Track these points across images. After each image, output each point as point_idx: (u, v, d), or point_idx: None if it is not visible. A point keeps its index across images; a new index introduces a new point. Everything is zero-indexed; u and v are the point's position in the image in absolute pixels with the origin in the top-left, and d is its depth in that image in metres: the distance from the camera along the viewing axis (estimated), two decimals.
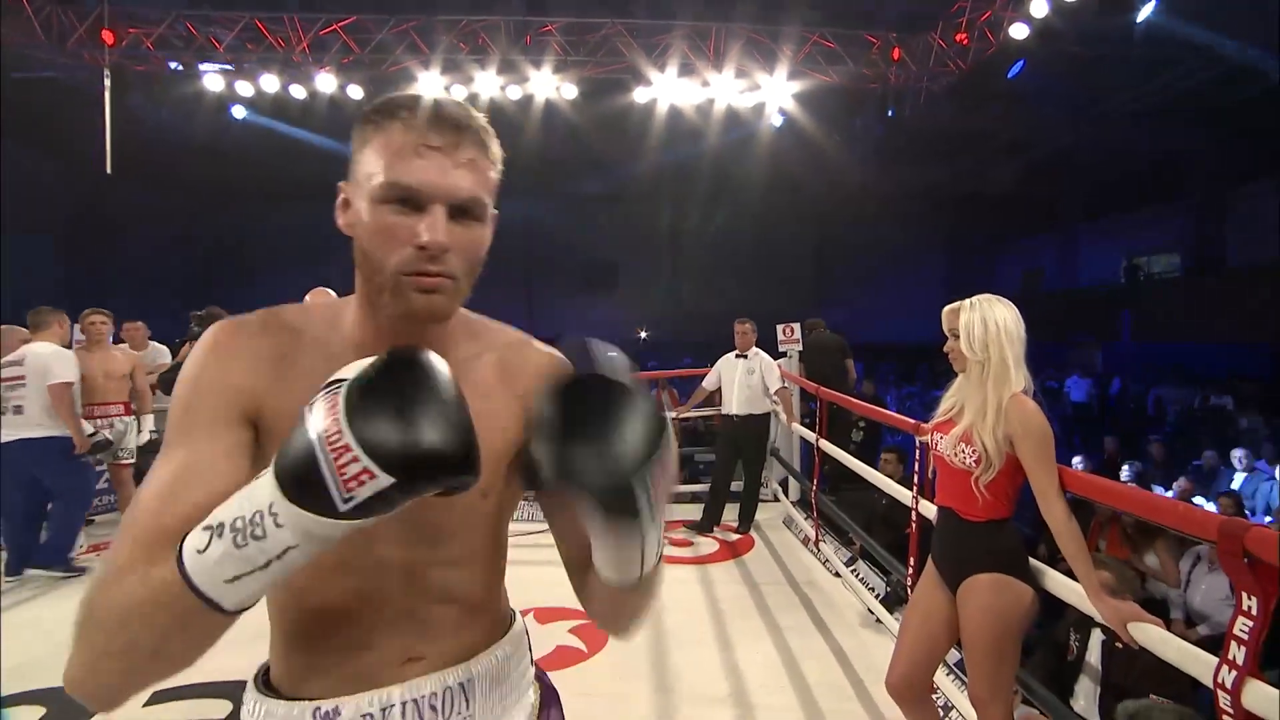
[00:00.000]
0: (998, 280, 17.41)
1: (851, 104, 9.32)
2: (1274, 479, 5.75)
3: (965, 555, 1.69)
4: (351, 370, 0.53)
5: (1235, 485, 5.64)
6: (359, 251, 0.65)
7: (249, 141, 11.46)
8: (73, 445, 3.50)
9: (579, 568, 0.77)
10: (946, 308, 1.77)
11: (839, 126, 10.62)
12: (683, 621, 3.03)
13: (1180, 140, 12.14)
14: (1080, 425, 9.81)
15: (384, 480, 0.49)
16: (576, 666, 2.55)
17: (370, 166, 0.63)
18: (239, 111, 9.20)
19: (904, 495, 2.59)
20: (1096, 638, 2.40)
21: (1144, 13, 6.60)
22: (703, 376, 4.73)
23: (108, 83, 6.49)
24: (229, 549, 0.50)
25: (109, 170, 6.30)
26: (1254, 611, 1.06)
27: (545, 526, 0.81)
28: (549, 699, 0.82)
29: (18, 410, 3.39)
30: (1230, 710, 1.10)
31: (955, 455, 1.70)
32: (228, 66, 8.03)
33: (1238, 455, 6.01)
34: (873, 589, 3.18)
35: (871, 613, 3.00)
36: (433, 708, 0.69)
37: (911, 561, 2.51)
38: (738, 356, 4.42)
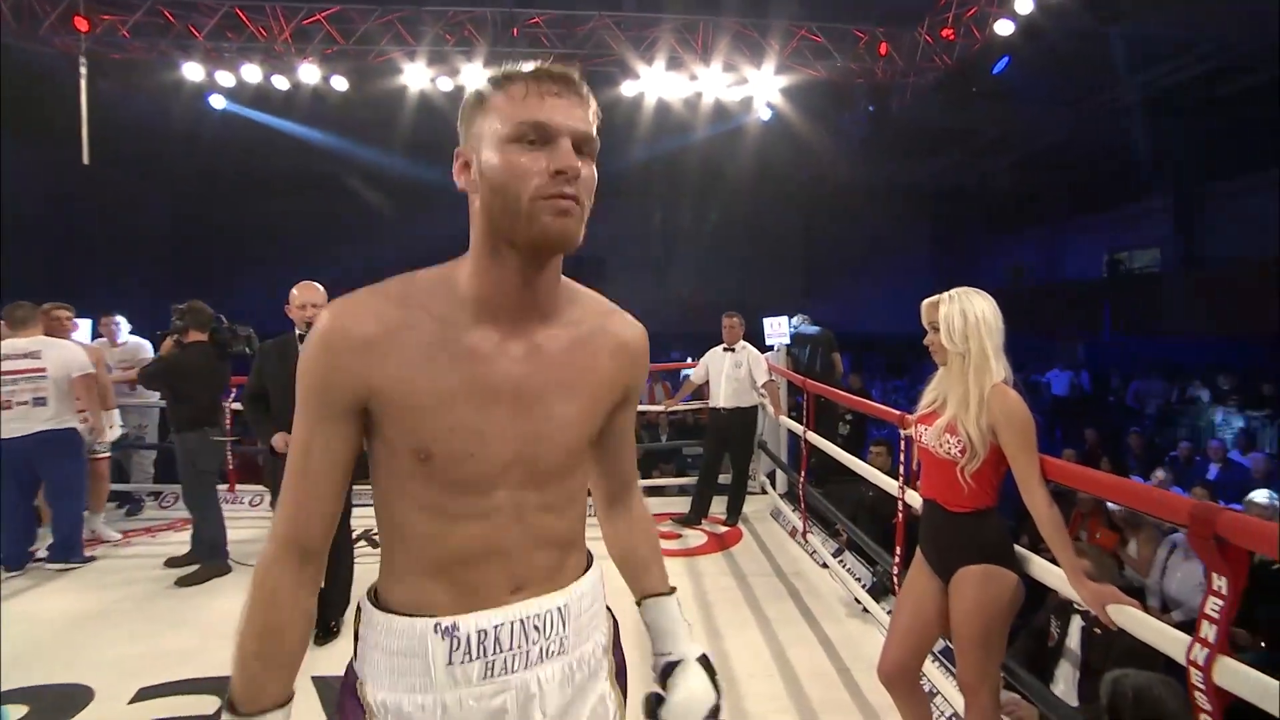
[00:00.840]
0: (982, 274, 17.58)
1: (839, 98, 9.34)
2: (1249, 469, 5.89)
3: (953, 546, 1.72)
4: None
5: (1210, 475, 5.77)
6: (488, 195, 0.71)
7: (229, 132, 11.26)
8: (79, 438, 3.53)
9: (604, 496, 0.97)
10: (925, 301, 1.79)
11: (826, 121, 10.65)
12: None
13: (1161, 137, 12.32)
14: (1062, 418, 9.98)
15: None
16: None
17: (495, 119, 0.71)
18: (218, 101, 9.03)
19: (891, 486, 2.63)
20: (1076, 623, 2.46)
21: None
22: (691, 370, 4.75)
23: (84, 70, 6.33)
24: None
25: (86, 160, 6.15)
26: (1224, 591, 1.10)
27: None
28: (617, 631, 0.93)
29: (39, 403, 3.38)
30: (1202, 686, 1.14)
31: (940, 446, 1.72)
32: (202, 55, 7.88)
33: (1213, 446, 6.15)
34: (859, 579, 3.22)
35: (858, 602, 3.04)
36: (536, 628, 0.78)
37: (898, 552, 2.55)
38: (725, 350, 4.44)
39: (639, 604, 0.94)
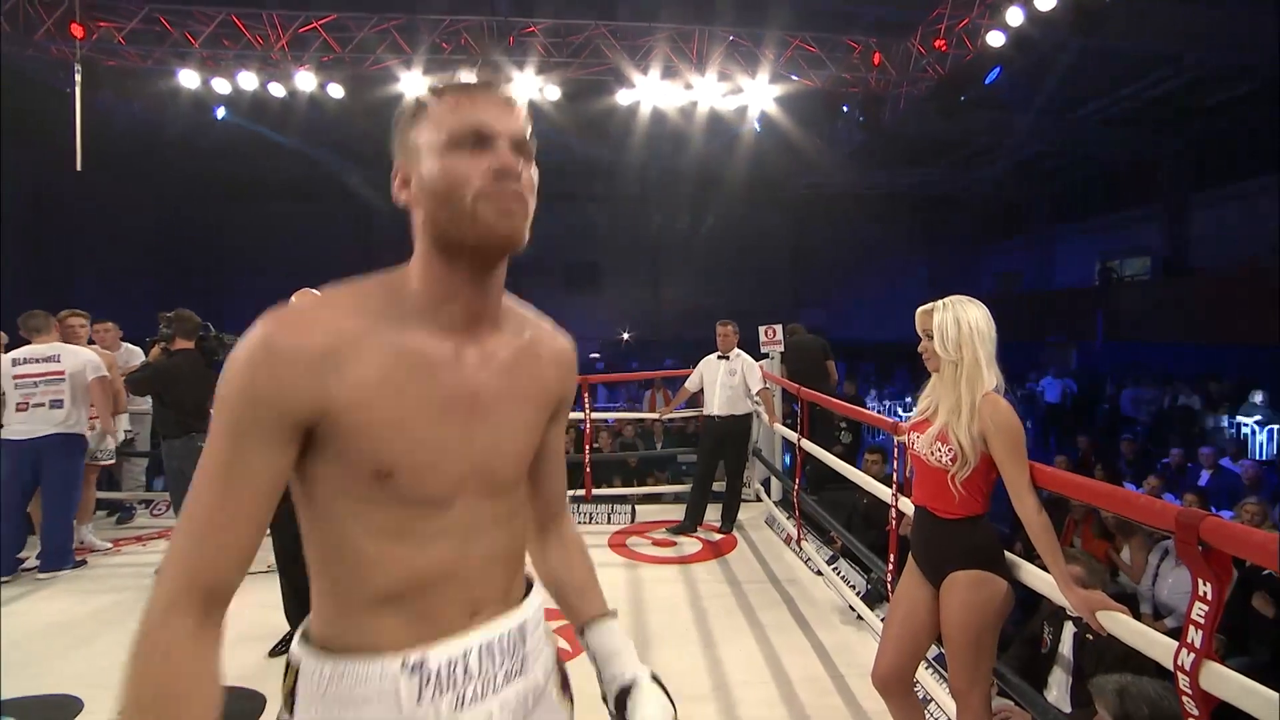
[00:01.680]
0: (975, 282, 17.72)
1: (833, 107, 9.42)
2: (1240, 476, 5.93)
3: (944, 552, 1.73)
4: None
5: (1201, 482, 5.81)
6: (431, 204, 0.70)
7: (224, 139, 11.27)
8: (84, 442, 3.63)
9: (536, 518, 0.92)
10: (919, 309, 1.81)
11: (820, 130, 10.74)
12: (666, 620, 3.05)
13: (1151, 146, 12.47)
14: (1054, 425, 10.03)
15: None
16: None
17: (431, 129, 0.70)
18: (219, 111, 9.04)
19: (884, 493, 2.64)
20: (1069, 630, 2.47)
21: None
22: (685, 377, 4.76)
23: (78, 78, 6.33)
24: None
25: (79, 168, 6.15)
26: (1209, 597, 1.11)
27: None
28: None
29: (55, 405, 3.48)
30: (1189, 691, 1.15)
31: (931, 454, 1.74)
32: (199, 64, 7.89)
33: (1204, 453, 6.19)
34: (854, 586, 3.22)
35: (852, 609, 3.05)
36: (500, 650, 0.75)
37: (892, 559, 2.56)
38: (719, 358, 4.45)
39: (580, 632, 0.91)
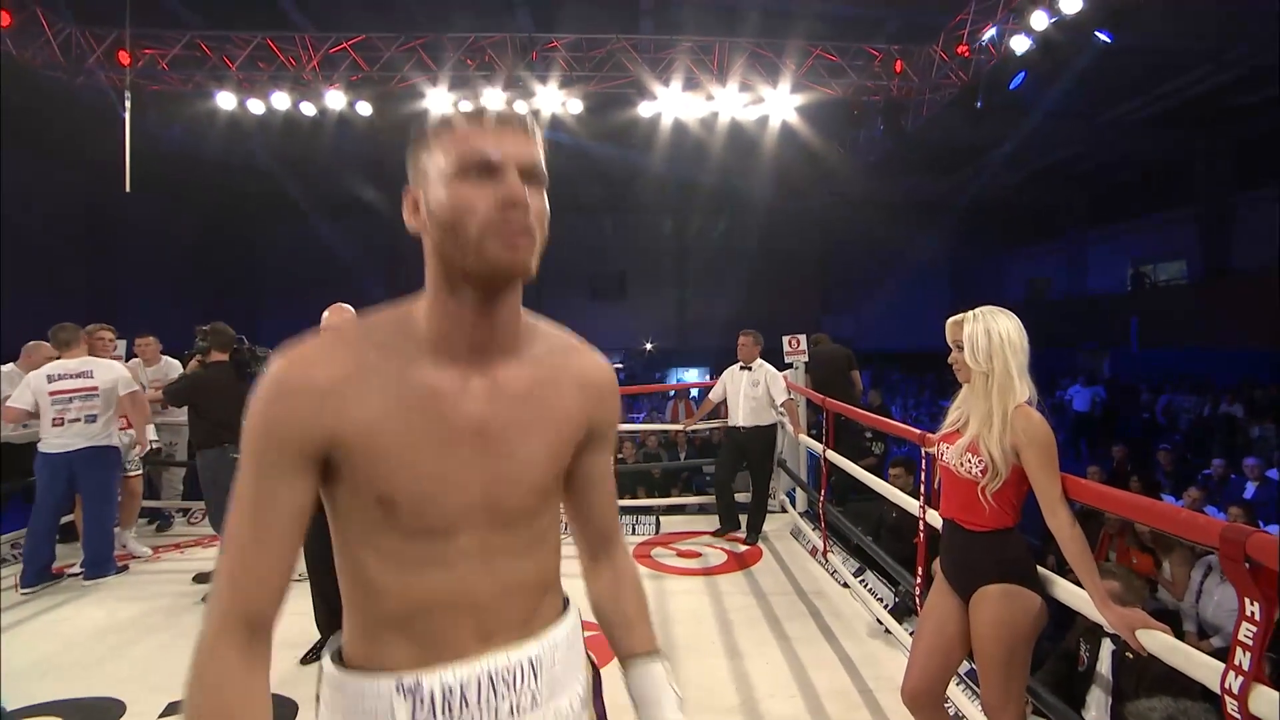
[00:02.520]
0: (1005, 288, 17.40)
1: (856, 116, 9.37)
2: None
3: (974, 566, 1.70)
4: None
5: (1247, 495, 5.59)
6: (438, 233, 0.70)
7: (261, 159, 11.63)
8: (118, 453, 3.74)
9: (585, 547, 0.92)
10: (950, 319, 1.79)
11: (843, 138, 10.69)
12: (691, 632, 3.04)
13: (1185, 147, 12.14)
14: (1087, 434, 9.75)
15: None
16: None
17: (440, 156, 0.70)
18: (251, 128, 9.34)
19: (911, 506, 2.60)
20: (1107, 647, 2.39)
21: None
22: (709, 388, 4.76)
23: (128, 104, 6.62)
24: None
25: (128, 189, 6.41)
26: (1257, 617, 1.07)
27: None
28: (598, 679, 0.89)
29: (90, 419, 3.59)
30: (1238, 716, 1.11)
31: (961, 465, 1.71)
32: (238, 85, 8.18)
33: (1249, 464, 5.96)
34: (881, 599, 3.17)
35: (880, 623, 3.00)
36: (505, 682, 0.74)
37: (919, 572, 2.52)
38: (742, 368, 4.44)
39: (624, 666, 0.88)
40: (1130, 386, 11.68)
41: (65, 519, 4.33)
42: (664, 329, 17.87)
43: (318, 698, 0.76)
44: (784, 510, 4.87)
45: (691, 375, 16.03)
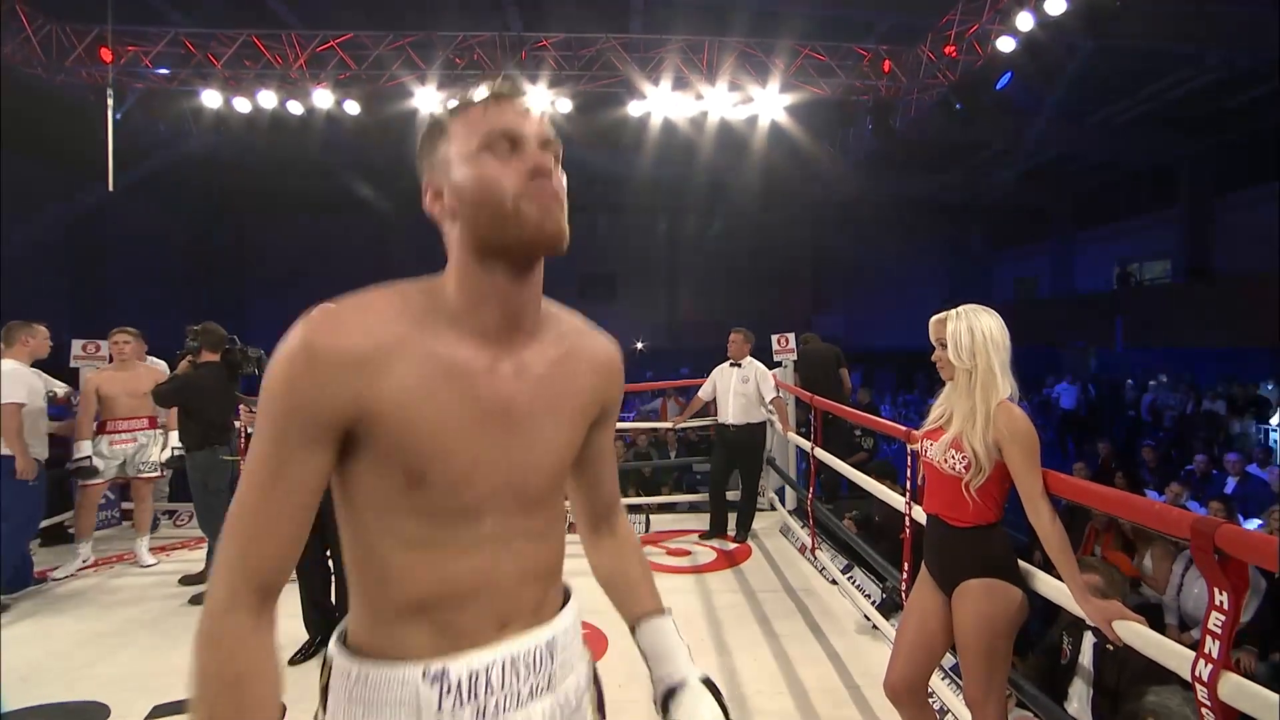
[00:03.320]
0: (993, 288, 17.56)
1: (844, 116, 9.44)
2: (1268, 483, 5.80)
3: (956, 561, 1.72)
4: None
5: (1228, 489, 5.68)
6: (470, 210, 0.71)
7: (246, 156, 11.54)
8: (7, 465, 3.40)
9: (588, 518, 0.94)
10: (933, 318, 1.81)
11: (832, 138, 10.76)
12: (680, 630, 3.04)
13: (1170, 148, 12.31)
14: (1073, 431, 9.87)
15: None
16: None
17: (460, 139, 0.72)
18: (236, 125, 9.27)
19: (897, 501, 2.63)
20: (1088, 640, 2.43)
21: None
22: (699, 387, 4.77)
23: (110, 101, 6.55)
24: None
25: (110, 188, 6.34)
26: (1225, 606, 1.10)
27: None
28: (593, 662, 0.91)
29: None
30: (1208, 703, 1.14)
31: (945, 461, 1.73)
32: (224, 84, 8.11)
33: (1230, 460, 6.07)
34: (869, 595, 3.20)
35: (868, 619, 3.02)
36: (526, 665, 0.75)
37: (906, 567, 2.54)
38: (732, 365, 4.46)
39: (633, 629, 0.90)
40: (1115, 384, 11.84)
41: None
42: (654, 329, 17.90)
43: (325, 689, 0.74)
44: (773, 508, 4.90)
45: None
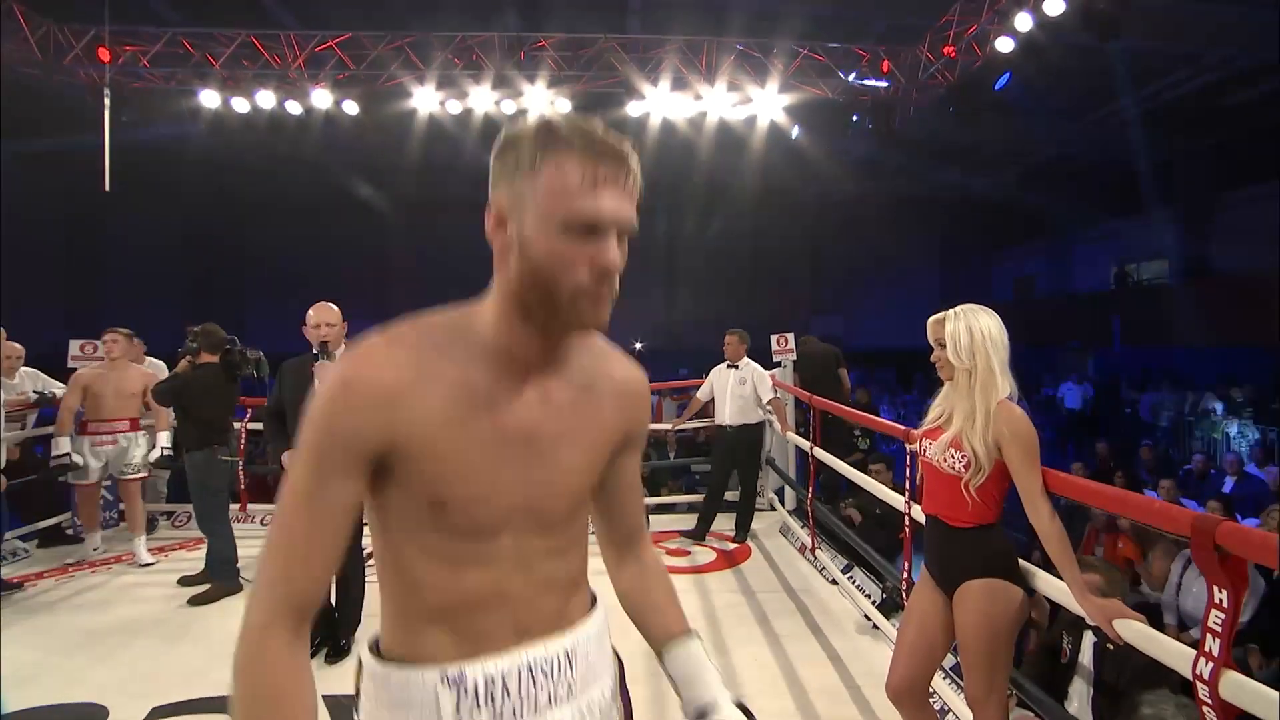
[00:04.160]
0: (991, 287, 17.57)
1: (843, 116, 9.44)
2: (1265, 483, 5.81)
3: (957, 561, 1.72)
4: None
5: (1225, 489, 5.69)
6: (525, 272, 0.71)
7: (246, 157, 11.51)
8: None
9: (613, 545, 0.95)
10: (931, 318, 1.82)
11: (831, 138, 10.76)
12: None
13: (1168, 148, 12.32)
14: (1073, 431, 9.89)
15: None
16: None
17: (544, 196, 0.69)
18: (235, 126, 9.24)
19: (896, 501, 2.63)
20: (1088, 639, 2.43)
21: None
22: (697, 388, 4.77)
23: (107, 102, 6.52)
24: None
25: (107, 188, 6.31)
26: (1225, 604, 1.10)
27: None
28: (623, 673, 0.92)
29: None
30: (1209, 701, 1.14)
31: (944, 461, 1.73)
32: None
33: (1228, 459, 6.08)
34: (869, 595, 3.20)
35: (868, 619, 3.02)
36: (544, 673, 0.77)
37: (905, 567, 2.54)
38: (729, 367, 4.46)
39: (660, 654, 0.90)
40: (1113, 384, 11.86)
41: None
42: (653, 329, 17.89)
43: (357, 691, 0.79)
44: (772, 508, 4.90)
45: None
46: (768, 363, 4.70)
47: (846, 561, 3.66)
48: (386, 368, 0.70)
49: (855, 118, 8.95)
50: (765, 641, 2.94)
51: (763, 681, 2.59)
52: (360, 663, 0.80)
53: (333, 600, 2.76)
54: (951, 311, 1.77)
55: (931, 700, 2.05)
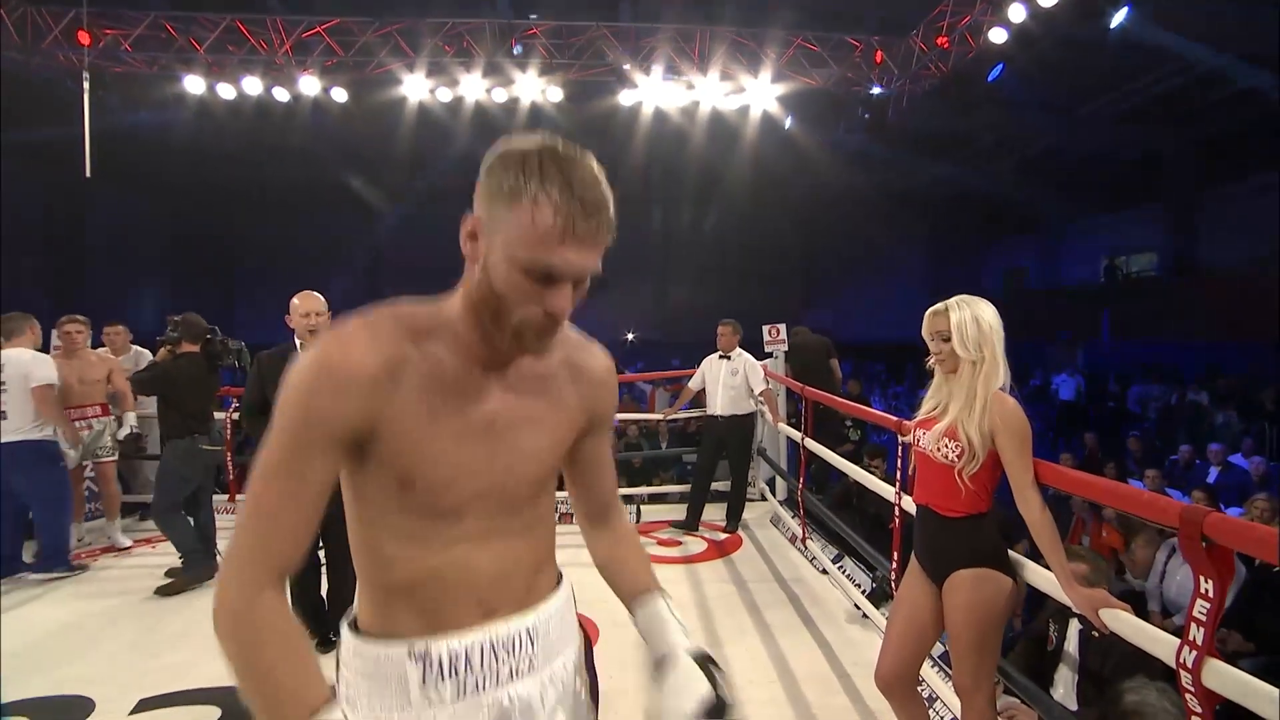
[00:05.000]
0: (981, 279, 17.66)
1: (836, 106, 9.42)
2: (1249, 473, 5.89)
3: (947, 551, 1.73)
4: None
5: (1210, 479, 5.77)
6: (485, 290, 0.75)
7: (230, 144, 11.34)
8: (51, 448, 3.54)
9: (587, 517, 1.00)
10: (930, 311, 1.78)
11: (823, 129, 10.74)
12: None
13: (1157, 143, 12.39)
14: (1063, 422, 9.98)
15: None
16: None
17: (515, 233, 0.71)
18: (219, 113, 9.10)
19: (887, 492, 2.64)
20: (1074, 628, 2.46)
21: (1117, 19, 6.76)
22: (689, 378, 4.77)
23: (86, 85, 6.40)
24: None
25: (88, 174, 6.20)
26: (1211, 594, 1.11)
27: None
28: (589, 646, 0.96)
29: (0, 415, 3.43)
30: (1192, 689, 1.15)
31: (938, 450, 1.74)
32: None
33: (1213, 450, 6.15)
34: (859, 585, 3.22)
35: (858, 608, 3.05)
36: (506, 648, 0.82)
37: (895, 557, 2.56)
38: (721, 357, 4.46)
39: (632, 612, 0.93)
40: (1101, 376, 11.98)
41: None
42: (645, 319, 17.87)
43: (338, 663, 0.84)
44: (763, 498, 4.92)
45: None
46: (760, 353, 4.71)
47: (837, 551, 3.69)
48: (366, 352, 0.73)
49: (865, 115, 8.90)
50: (756, 631, 2.95)
51: (753, 671, 2.60)
52: (340, 638, 0.84)
53: (322, 588, 2.75)
54: (953, 301, 1.75)
55: (920, 688, 2.07)
